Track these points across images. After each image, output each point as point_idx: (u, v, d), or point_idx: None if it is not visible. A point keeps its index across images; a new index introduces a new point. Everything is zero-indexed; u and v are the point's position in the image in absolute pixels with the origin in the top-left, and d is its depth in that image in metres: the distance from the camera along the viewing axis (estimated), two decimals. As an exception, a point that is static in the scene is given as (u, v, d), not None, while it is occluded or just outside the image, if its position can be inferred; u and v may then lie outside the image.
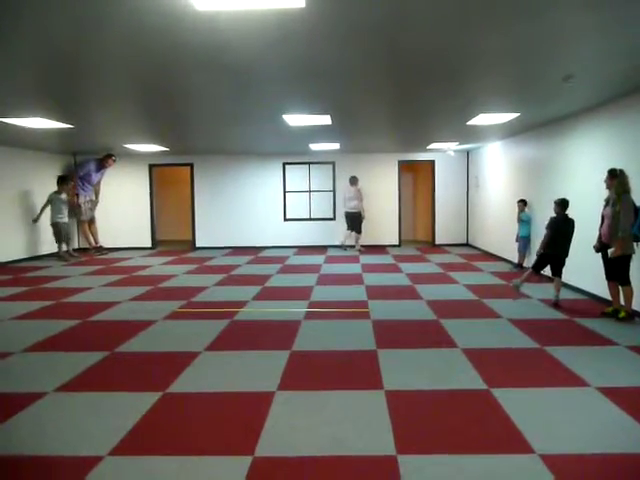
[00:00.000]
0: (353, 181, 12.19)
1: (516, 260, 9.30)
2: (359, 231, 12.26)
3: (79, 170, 11.99)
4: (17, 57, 4.05)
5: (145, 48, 3.89)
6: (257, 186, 13.20)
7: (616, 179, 5.37)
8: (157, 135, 9.16)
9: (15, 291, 7.63)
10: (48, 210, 10.99)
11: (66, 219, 11.13)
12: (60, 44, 3.75)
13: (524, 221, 8.97)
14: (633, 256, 5.38)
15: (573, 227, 6.24)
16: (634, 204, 5.30)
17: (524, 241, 9.01)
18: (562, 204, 6.32)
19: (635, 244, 5.36)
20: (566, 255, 6.29)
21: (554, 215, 6.42)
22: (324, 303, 6.62)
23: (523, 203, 9.11)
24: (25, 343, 4.99)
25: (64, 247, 11.18)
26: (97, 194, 12.44)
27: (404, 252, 12.05)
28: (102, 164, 11.93)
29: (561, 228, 6.27)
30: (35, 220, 10.80)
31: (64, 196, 11.05)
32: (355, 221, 12.18)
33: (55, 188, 11.17)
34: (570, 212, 6.29)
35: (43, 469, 2.76)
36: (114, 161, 11.97)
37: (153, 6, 3.01)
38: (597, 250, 5.74)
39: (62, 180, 11.04)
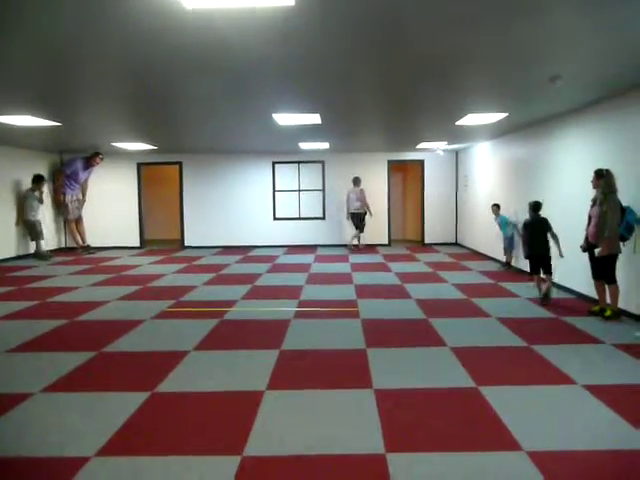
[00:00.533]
0: (357, 182, 12.28)
1: (504, 259, 9.37)
2: (363, 229, 12.42)
3: (66, 168, 11.89)
4: (5, 54, 4.00)
5: (134, 47, 3.86)
6: (246, 185, 13.16)
7: (602, 179, 5.43)
8: (145, 133, 9.10)
9: (0, 291, 7.54)
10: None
11: (39, 217, 11.03)
12: (50, 42, 3.71)
13: (502, 223, 9.18)
14: (619, 255, 5.45)
15: (548, 225, 6.46)
16: (620, 204, 5.36)
17: (508, 240, 9.14)
18: (534, 207, 6.57)
19: (622, 244, 5.42)
20: (549, 252, 6.45)
21: (528, 218, 6.66)
22: (314, 302, 6.62)
23: (497, 207, 9.37)
24: (10, 343, 4.93)
25: (42, 244, 11.07)
26: (84, 193, 12.36)
27: (394, 251, 12.08)
28: (89, 163, 11.85)
29: (536, 229, 6.48)
30: (17, 223, 10.74)
31: (37, 194, 10.96)
32: (363, 221, 12.34)
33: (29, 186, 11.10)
34: (558, 212, 6.33)
35: (29, 470, 2.73)
36: (101, 159, 11.89)
37: (143, 5, 2.99)
38: (584, 250, 5.80)
39: (38, 179, 10.93)
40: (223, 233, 13.19)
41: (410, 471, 2.68)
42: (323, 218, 13.28)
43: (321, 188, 13.22)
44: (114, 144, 10.49)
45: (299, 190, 13.25)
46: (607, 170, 5.45)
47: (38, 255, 10.84)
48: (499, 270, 9.11)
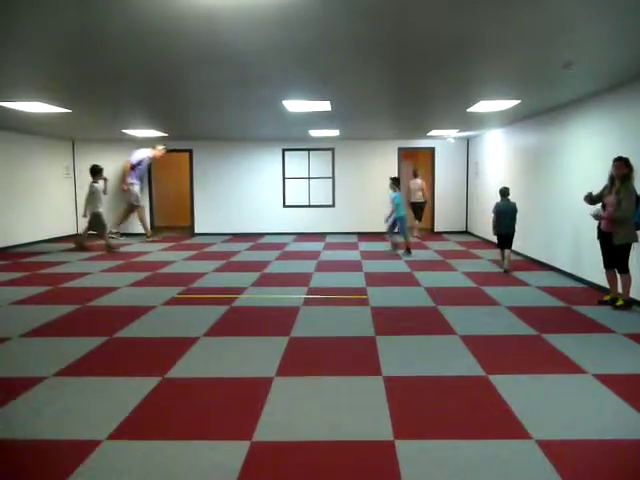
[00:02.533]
0: (416, 173, 12.42)
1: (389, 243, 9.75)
2: (420, 218, 12.54)
3: (132, 159, 11.87)
4: (19, 42, 4.00)
5: (145, 35, 3.85)
6: (256, 172, 13.14)
7: (628, 168, 5.31)
8: (156, 120, 9.10)
9: (14, 276, 7.63)
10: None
11: (102, 209, 10.42)
12: (63, 30, 3.71)
13: (396, 202, 9.39)
14: (633, 244, 5.38)
15: (513, 209, 7.69)
16: (636, 192, 5.29)
17: (401, 222, 9.48)
18: (501, 192, 7.83)
19: (638, 232, 5.36)
20: (514, 232, 7.73)
21: (499, 201, 7.84)
22: (323, 290, 6.63)
23: (395, 181, 9.59)
24: (24, 328, 5.00)
25: (114, 233, 10.78)
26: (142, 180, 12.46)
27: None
28: (152, 153, 11.79)
29: (501, 212, 7.72)
30: (85, 214, 10.17)
31: (101, 185, 10.43)
32: (422, 210, 12.49)
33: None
34: (569, 200, 6.27)
35: (42, 453, 2.77)
36: (164, 149, 11.87)
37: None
38: (598, 237, 5.68)
39: (98, 170, 10.35)
40: (233, 220, 13.21)
41: (419, 458, 2.68)
42: (333, 206, 13.24)
43: (331, 176, 13.17)
44: (124, 131, 10.51)
45: (309, 177, 13.21)
46: (626, 158, 5.35)
47: (108, 247, 10.20)
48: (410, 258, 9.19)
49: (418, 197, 12.27)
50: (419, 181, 12.30)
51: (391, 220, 9.69)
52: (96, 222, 10.18)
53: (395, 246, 9.85)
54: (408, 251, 9.53)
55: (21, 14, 3.37)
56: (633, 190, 5.26)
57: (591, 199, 5.74)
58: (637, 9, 3.39)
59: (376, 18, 3.56)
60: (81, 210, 10.94)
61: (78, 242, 10.42)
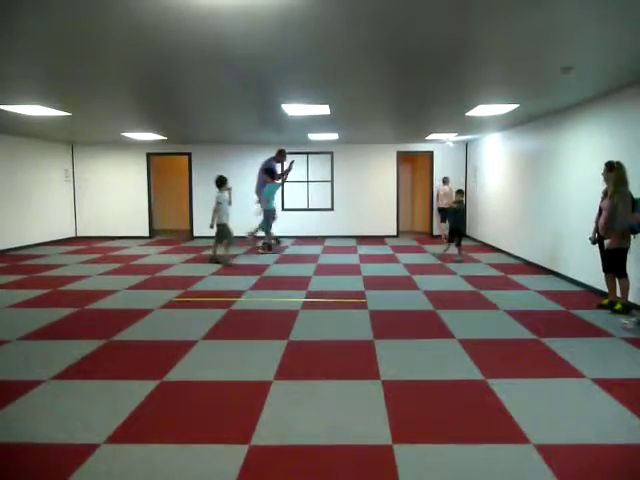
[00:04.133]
0: (445, 181, 12.61)
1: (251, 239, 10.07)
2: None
3: (266, 167, 11.11)
4: (18, 43, 4.00)
5: (145, 37, 3.85)
6: (255, 176, 13.10)
7: (614, 172, 5.35)
8: (155, 124, 9.11)
9: (12, 279, 7.62)
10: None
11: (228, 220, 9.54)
12: (62, 31, 3.70)
13: (269, 194, 9.69)
14: (631, 249, 5.39)
15: (460, 209, 9.50)
16: (632, 196, 5.30)
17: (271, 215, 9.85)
18: (460, 192, 9.55)
19: (632, 237, 5.36)
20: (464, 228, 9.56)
21: (457, 200, 9.37)
22: (322, 293, 6.63)
23: (268, 174, 9.92)
24: (22, 331, 4.99)
25: (229, 249, 9.50)
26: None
27: (402, 243, 12.05)
28: (277, 159, 11.29)
29: (461, 210, 9.51)
30: (212, 225, 9.34)
31: (227, 196, 9.57)
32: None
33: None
34: (568, 204, 6.27)
35: (40, 457, 2.76)
36: (285, 154, 11.38)
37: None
38: (593, 242, 5.74)
39: (224, 181, 9.44)
40: (232, 223, 13.15)
41: (417, 462, 2.68)
42: (331, 209, 13.25)
43: (330, 179, 13.18)
44: (124, 134, 10.51)
45: (308, 181, 13.22)
46: (618, 162, 5.38)
47: (222, 258, 9.17)
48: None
49: (445, 203, 12.38)
50: (447, 188, 12.51)
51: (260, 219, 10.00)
52: (222, 233, 9.32)
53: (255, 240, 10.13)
54: (269, 248, 9.88)
55: (20, 15, 3.37)
56: (628, 194, 5.28)
57: (593, 241, 5.79)
58: (636, 14, 3.41)
59: (375, 23, 3.57)
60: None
61: (213, 259, 9.43)
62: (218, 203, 9.21)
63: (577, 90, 6.06)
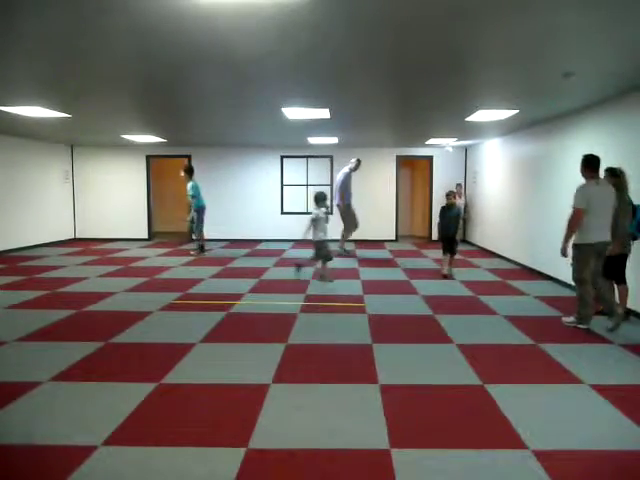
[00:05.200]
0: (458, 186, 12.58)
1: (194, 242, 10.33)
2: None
3: (347, 181, 10.84)
4: (17, 45, 4.01)
5: (145, 41, 3.87)
6: (255, 179, 13.17)
7: (617, 178, 5.32)
8: (155, 126, 9.12)
9: (11, 280, 7.61)
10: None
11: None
12: (61, 32, 3.71)
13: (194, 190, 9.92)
14: (630, 255, 5.40)
15: (450, 213, 8.08)
16: (631, 202, 5.31)
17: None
18: (447, 195, 8.28)
19: (632, 243, 5.37)
20: (453, 235, 8.06)
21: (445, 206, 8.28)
22: (320, 297, 6.63)
23: (188, 172, 10.18)
24: (20, 332, 4.98)
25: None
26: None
27: (401, 247, 12.06)
28: (353, 169, 10.98)
29: (444, 216, 8.16)
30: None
31: (324, 213, 8.37)
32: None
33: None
34: (566, 209, 6.24)
35: (37, 458, 2.75)
36: (359, 162, 11.07)
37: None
38: None
39: (324, 197, 8.30)
40: (231, 227, 13.21)
41: (415, 467, 2.68)
42: (330, 213, 13.23)
43: (329, 183, 13.20)
44: (124, 136, 10.53)
45: (307, 185, 13.23)
46: (620, 169, 5.38)
47: (323, 277, 8.02)
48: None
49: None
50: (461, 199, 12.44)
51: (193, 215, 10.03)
52: (321, 249, 8.08)
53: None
54: (202, 249, 10.18)
55: (19, 16, 3.38)
56: (628, 202, 5.29)
57: None
58: (636, 20, 3.43)
59: (375, 27, 3.59)
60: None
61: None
62: (314, 220, 8.00)
63: (578, 96, 6.08)
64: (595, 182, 5.11)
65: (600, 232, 5.07)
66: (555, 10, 3.23)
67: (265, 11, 3.23)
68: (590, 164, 5.16)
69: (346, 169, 10.79)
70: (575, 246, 5.18)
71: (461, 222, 9.89)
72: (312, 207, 8.23)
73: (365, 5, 3.15)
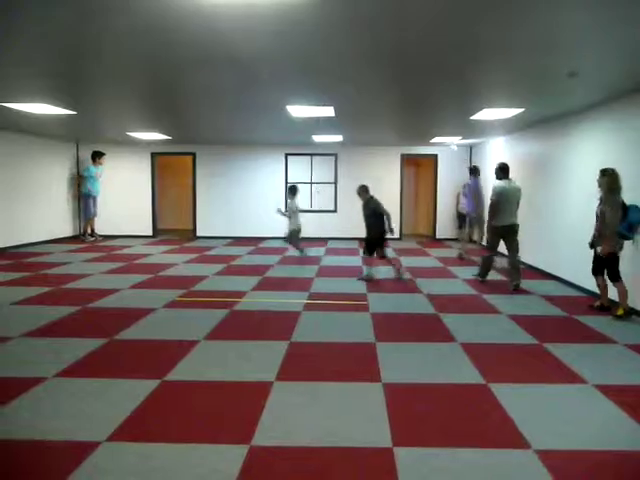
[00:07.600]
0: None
1: None
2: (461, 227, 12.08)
3: (476, 186, 10.36)
4: (23, 42, 4.02)
5: (150, 39, 3.87)
6: (259, 177, 13.17)
7: (602, 178, 5.42)
8: (160, 123, 9.13)
9: (16, 276, 7.65)
10: None
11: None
12: (67, 31, 3.72)
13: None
14: (624, 253, 5.42)
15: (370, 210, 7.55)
16: (623, 203, 5.33)
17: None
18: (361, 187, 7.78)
19: (623, 242, 5.42)
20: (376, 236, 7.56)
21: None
22: (324, 295, 6.63)
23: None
24: (24, 328, 5.00)
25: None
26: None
27: (405, 245, 12.05)
28: (477, 174, 10.34)
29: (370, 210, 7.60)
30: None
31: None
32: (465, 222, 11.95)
33: None
34: (571, 209, 6.28)
35: (41, 454, 2.77)
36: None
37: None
38: (591, 246, 5.79)
39: (297, 189, 8.88)
40: (235, 224, 13.23)
41: (417, 465, 2.68)
42: (335, 211, 13.26)
43: (333, 181, 13.19)
44: (129, 133, 10.55)
45: (311, 182, 13.23)
46: (612, 169, 5.42)
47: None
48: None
49: (460, 208, 12.02)
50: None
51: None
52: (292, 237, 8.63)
53: None
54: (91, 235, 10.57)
55: (23, 14, 3.39)
56: (618, 202, 5.32)
57: (591, 246, 5.84)
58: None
59: (378, 25, 3.57)
60: None
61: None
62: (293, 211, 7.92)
63: (583, 95, 6.05)
64: (507, 182, 7.00)
65: (508, 217, 6.96)
66: (561, 9, 3.21)
67: (268, 11, 3.22)
68: (503, 169, 7.09)
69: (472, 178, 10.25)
70: (491, 226, 7.06)
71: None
72: (288, 199, 8.64)
73: (369, 3, 3.14)
